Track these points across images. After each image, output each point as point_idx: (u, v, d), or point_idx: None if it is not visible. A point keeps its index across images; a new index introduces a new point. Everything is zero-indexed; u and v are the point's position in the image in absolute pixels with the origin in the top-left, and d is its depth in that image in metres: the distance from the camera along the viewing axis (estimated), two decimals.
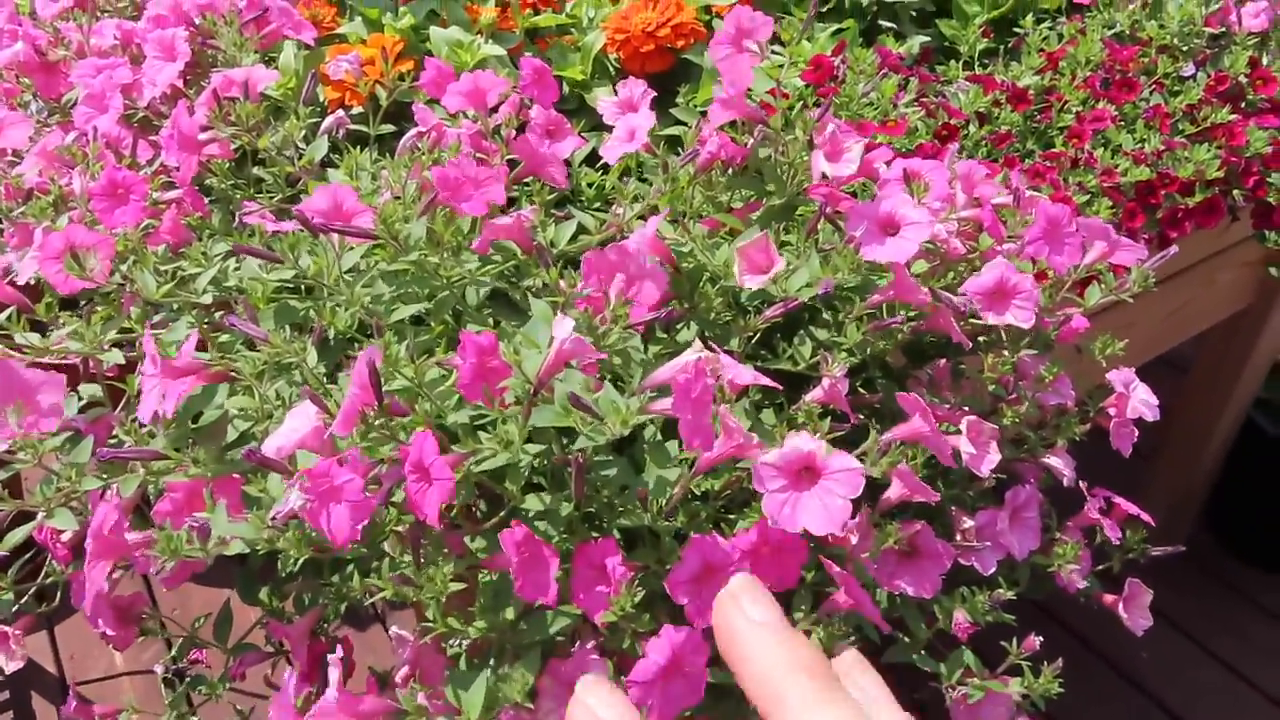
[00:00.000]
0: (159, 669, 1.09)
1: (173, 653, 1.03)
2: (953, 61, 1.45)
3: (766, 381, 0.79)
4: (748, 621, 0.36)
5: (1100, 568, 1.05)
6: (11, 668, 0.87)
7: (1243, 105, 1.36)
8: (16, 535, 0.82)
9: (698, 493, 0.82)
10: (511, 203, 0.97)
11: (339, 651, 0.71)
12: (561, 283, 0.79)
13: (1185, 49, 1.43)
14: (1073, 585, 0.99)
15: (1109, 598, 1.04)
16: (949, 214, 0.95)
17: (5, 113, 1.06)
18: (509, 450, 0.69)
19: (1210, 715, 1.92)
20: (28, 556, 0.94)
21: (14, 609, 0.92)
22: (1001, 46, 1.49)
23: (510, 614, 0.75)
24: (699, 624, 0.75)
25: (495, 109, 1.02)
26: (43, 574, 0.95)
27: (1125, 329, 1.08)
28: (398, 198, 0.84)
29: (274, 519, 0.65)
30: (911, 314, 0.93)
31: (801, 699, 0.33)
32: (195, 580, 2.03)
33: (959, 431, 0.89)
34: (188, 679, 0.99)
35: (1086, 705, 1.91)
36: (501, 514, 0.74)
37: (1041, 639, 0.92)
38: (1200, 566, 2.18)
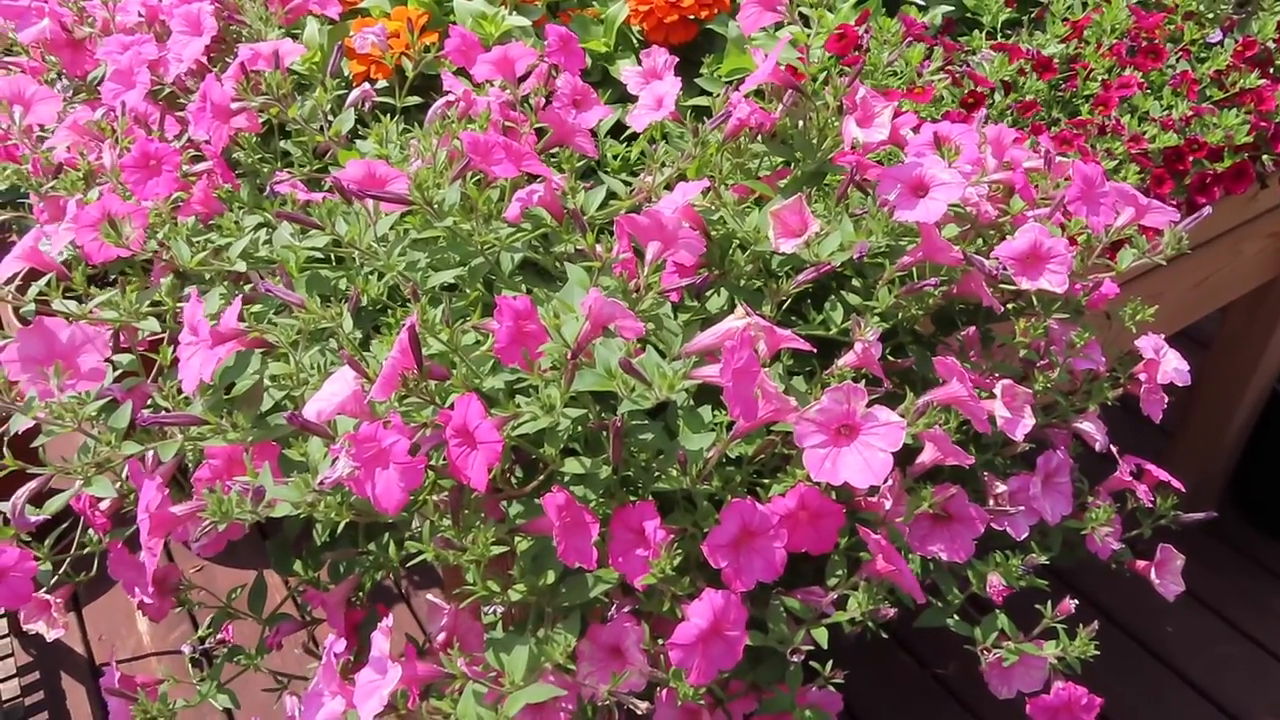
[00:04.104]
0: (186, 649, 1.09)
1: (200, 632, 1.04)
2: (976, 31, 1.44)
3: (802, 344, 0.79)
4: None
5: (1130, 534, 1.04)
6: (53, 635, 0.88)
7: (1271, 70, 1.35)
8: (55, 503, 0.83)
9: (731, 456, 0.82)
10: (531, 178, 0.97)
11: (388, 620, 0.71)
12: (598, 248, 0.78)
13: (1211, 15, 1.42)
14: (1105, 550, 0.99)
15: (1141, 564, 1.03)
16: (980, 177, 0.95)
17: (36, 88, 1.06)
18: (550, 414, 0.69)
19: (1235, 689, 1.92)
20: (63, 527, 0.94)
21: (52, 580, 0.92)
22: (1024, 17, 1.48)
23: (550, 578, 0.75)
24: (737, 587, 0.75)
25: (523, 79, 1.01)
26: (75, 545, 0.95)
27: (1153, 299, 1.07)
28: (429, 165, 0.84)
29: (322, 484, 0.65)
30: (942, 278, 0.93)
31: None
32: (221, 561, 2.05)
33: (993, 396, 0.89)
34: (225, 652, 0.99)
35: (1110, 679, 1.91)
36: (540, 478, 0.75)
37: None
38: (1225, 541, 2.17)
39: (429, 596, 0.90)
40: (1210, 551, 2.12)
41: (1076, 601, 0.91)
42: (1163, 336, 1.05)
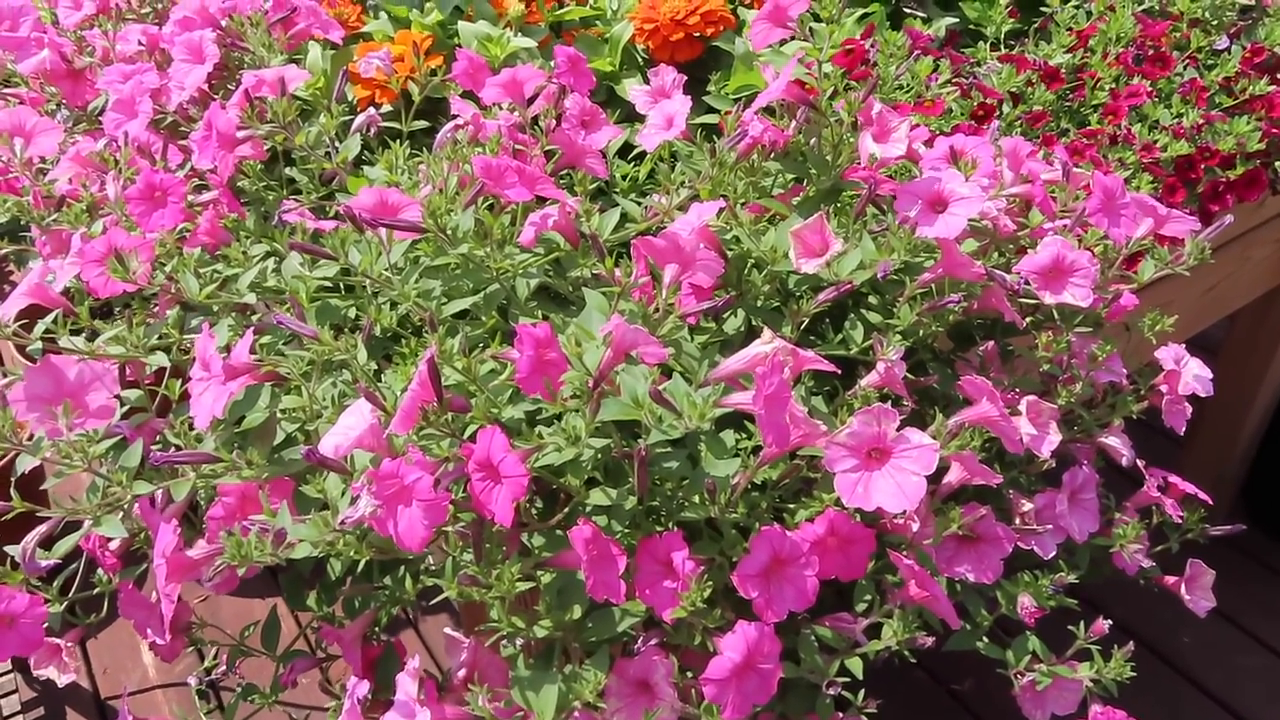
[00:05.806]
0: (193, 681, 1.07)
1: (205, 664, 1.01)
2: (980, 43, 1.43)
3: (827, 366, 0.77)
4: None
5: (1156, 549, 1.03)
6: (65, 680, 0.86)
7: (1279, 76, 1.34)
8: (64, 545, 0.81)
9: (756, 482, 0.80)
10: (540, 201, 0.96)
11: (415, 661, 0.69)
12: (617, 272, 0.77)
13: (1216, 22, 1.41)
14: (1134, 566, 0.97)
15: (1170, 579, 1.02)
16: (998, 191, 0.94)
17: (36, 120, 1.05)
18: (575, 445, 0.67)
19: (1254, 699, 1.89)
20: (72, 568, 0.92)
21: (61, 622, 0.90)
22: (1028, 27, 1.47)
23: (576, 613, 0.73)
24: (769, 617, 0.73)
25: (531, 100, 1.00)
26: (79, 582, 0.93)
27: (1164, 308, 1.06)
28: (440, 191, 0.82)
29: (343, 523, 0.63)
30: (963, 293, 0.92)
31: None
32: (226, 591, 2.01)
33: (1018, 413, 0.88)
34: (239, 691, 0.97)
35: (1126, 691, 1.89)
36: (565, 510, 0.73)
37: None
38: (1239, 550, 2.14)
39: (447, 630, 0.88)
40: (1223, 560, 2.09)
41: (1110, 621, 0.90)
42: (1183, 345, 1.04)
